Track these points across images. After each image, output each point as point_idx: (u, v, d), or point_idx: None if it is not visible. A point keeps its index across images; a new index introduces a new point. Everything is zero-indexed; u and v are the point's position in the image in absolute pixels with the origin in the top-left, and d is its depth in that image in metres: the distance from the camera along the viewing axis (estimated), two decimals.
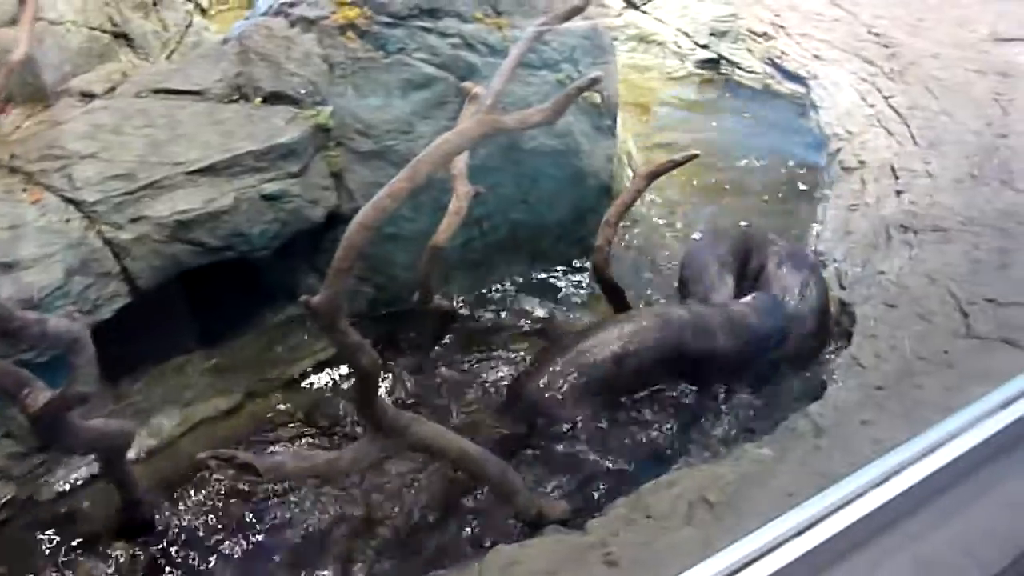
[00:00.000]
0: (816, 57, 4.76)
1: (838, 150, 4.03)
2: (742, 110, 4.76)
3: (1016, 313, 2.60)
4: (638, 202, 3.31)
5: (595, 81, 1.97)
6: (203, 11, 4.72)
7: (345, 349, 1.86)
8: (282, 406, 2.90)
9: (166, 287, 2.67)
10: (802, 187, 4.13)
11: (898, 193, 3.41)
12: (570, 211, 3.48)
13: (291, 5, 3.00)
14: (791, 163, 4.32)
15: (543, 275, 3.43)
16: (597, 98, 3.42)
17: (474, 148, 2.97)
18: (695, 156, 3.43)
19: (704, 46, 5.24)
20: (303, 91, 2.90)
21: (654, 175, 3.14)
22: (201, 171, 2.69)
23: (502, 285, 3.35)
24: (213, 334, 2.93)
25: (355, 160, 2.87)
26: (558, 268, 3.48)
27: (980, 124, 3.65)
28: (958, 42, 4.39)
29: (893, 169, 3.55)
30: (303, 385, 2.99)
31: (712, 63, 5.23)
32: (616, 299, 3.13)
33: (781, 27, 5.05)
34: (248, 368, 2.96)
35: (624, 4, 5.37)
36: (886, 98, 4.08)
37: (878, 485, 2.20)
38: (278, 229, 2.75)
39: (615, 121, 3.68)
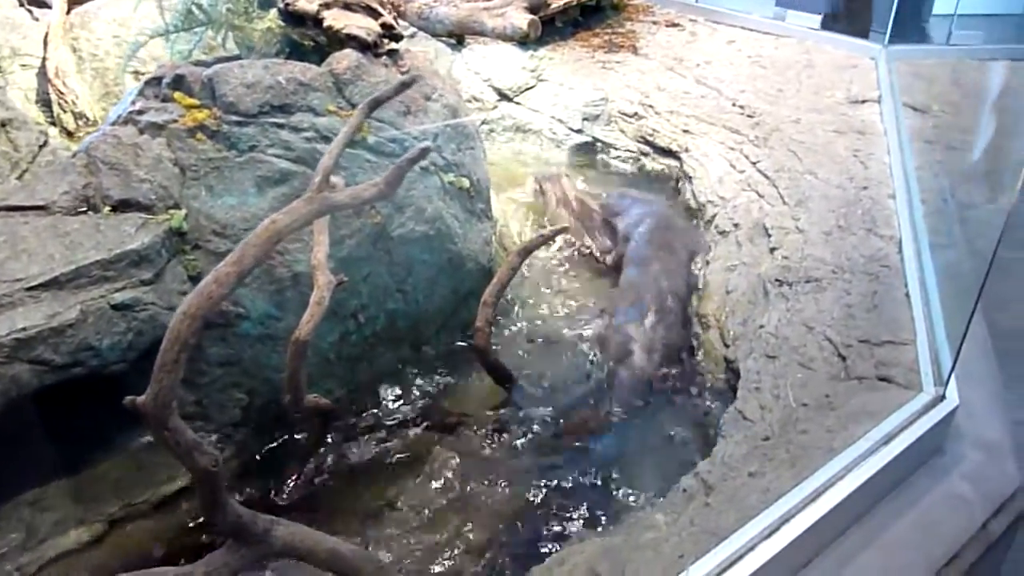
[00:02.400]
0: (686, 131, 4.92)
1: (713, 216, 4.14)
2: (619, 187, 4.82)
3: (889, 351, 2.67)
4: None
5: (424, 152, 1.98)
6: (69, 133, 4.68)
7: (179, 451, 1.73)
8: (151, 531, 2.72)
9: (13, 412, 2.49)
10: None
11: (772, 250, 3.50)
12: (450, 297, 3.47)
13: (139, 113, 2.97)
14: None
15: (426, 363, 3.37)
16: (465, 183, 3.43)
17: (339, 238, 2.99)
18: (565, 230, 3.52)
19: (578, 131, 5.35)
20: (154, 196, 2.83)
21: (527, 251, 3.17)
22: (43, 285, 2.56)
23: (384, 378, 3.27)
24: (73, 459, 2.77)
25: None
26: (442, 354, 3.43)
27: (843, 179, 3.80)
28: (816, 107, 4.62)
29: (765, 228, 3.65)
30: (176, 506, 2.81)
31: (588, 146, 5.35)
32: (499, 376, 3.10)
33: (650, 107, 5.19)
34: (113, 493, 2.78)
35: (498, 97, 5.49)
36: (754, 163, 4.23)
37: (767, 536, 2.16)
38: (132, 339, 2.63)
39: (489, 204, 3.73)
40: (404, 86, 2.23)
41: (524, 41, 5.34)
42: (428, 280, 3.35)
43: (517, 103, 5.52)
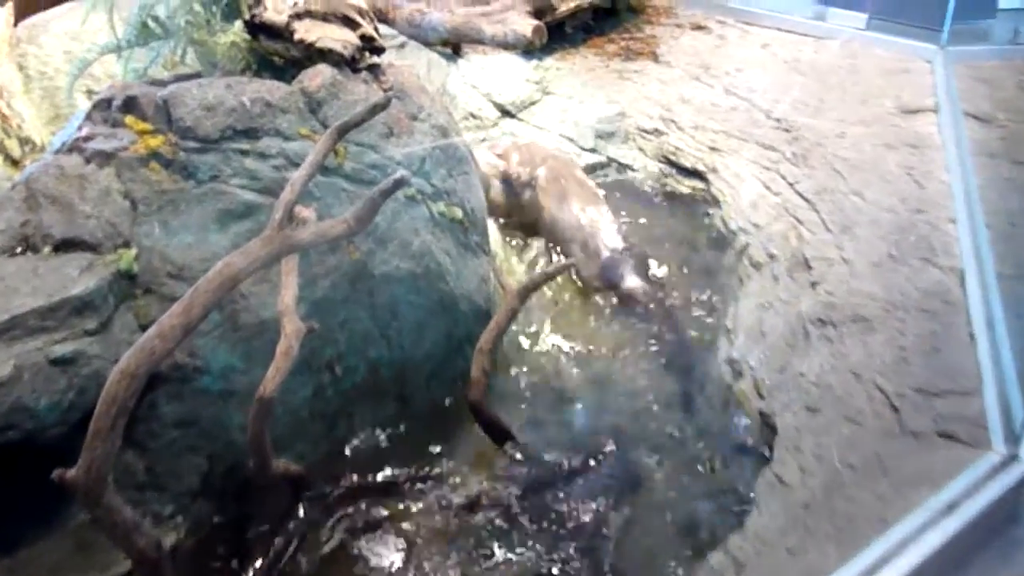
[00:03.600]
0: (713, 149, 4.93)
1: (746, 246, 4.14)
2: (637, 213, 4.82)
3: (952, 403, 2.62)
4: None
5: (399, 183, 1.97)
6: (14, 162, 4.70)
7: (115, 532, 1.70)
8: None
9: None
10: (705, 295, 4.17)
11: (813, 285, 3.47)
12: (441, 343, 3.44)
13: (86, 139, 2.97)
14: (693, 267, 4.38)
15: (414, 420, 3.34)
16: (458, 213, 3.42)
17: (312, 278, 2.98)
18: (570, 266, 3.51)
19: (591, 150, 5.36)
20: (101, 234, 2.81)
21: (528, 291, 3.16)
22: None
23: (365, 437, 3.24)
24: (4, 537, 2.71)
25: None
26: (432, 409, 3.41)
27: (894, 201, 3.77)
28: (863, 118, 4.60)
29: (806, 259, 3.63)
30: None
31: (602, 167, 5.35)
32: (497, 434, 3.10)
33: (672, 121, 5.23)
34: None
35: (499, 114, 5.52)
36: (791, 184, 4.23)
37: None
38: (74, 399, 2.59)
39: (486, 237, 3.73)
40: (377, 108, 2.23)
41: (528, 50, 5.46)
42: (415, 324, 3.32)
43: (520, 120, 5.55)
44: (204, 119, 2.92)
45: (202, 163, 2.90)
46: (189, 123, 2.92)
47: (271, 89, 3.09)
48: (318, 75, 3.19)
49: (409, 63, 4.31)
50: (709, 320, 3.97)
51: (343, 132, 2.28)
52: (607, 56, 5.99)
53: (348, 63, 3.26)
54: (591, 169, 5.31)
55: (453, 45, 5.81)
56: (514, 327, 3.64)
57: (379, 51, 3.39)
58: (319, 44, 3.22)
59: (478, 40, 5.42)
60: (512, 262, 4.28)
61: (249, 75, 3.28)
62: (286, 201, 1.96)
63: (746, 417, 3.26)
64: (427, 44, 5.58)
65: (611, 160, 5.36)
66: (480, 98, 5.60)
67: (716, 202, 4.66)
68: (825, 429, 2.74)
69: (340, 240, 2.33)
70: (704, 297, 4.14)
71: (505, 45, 5.30)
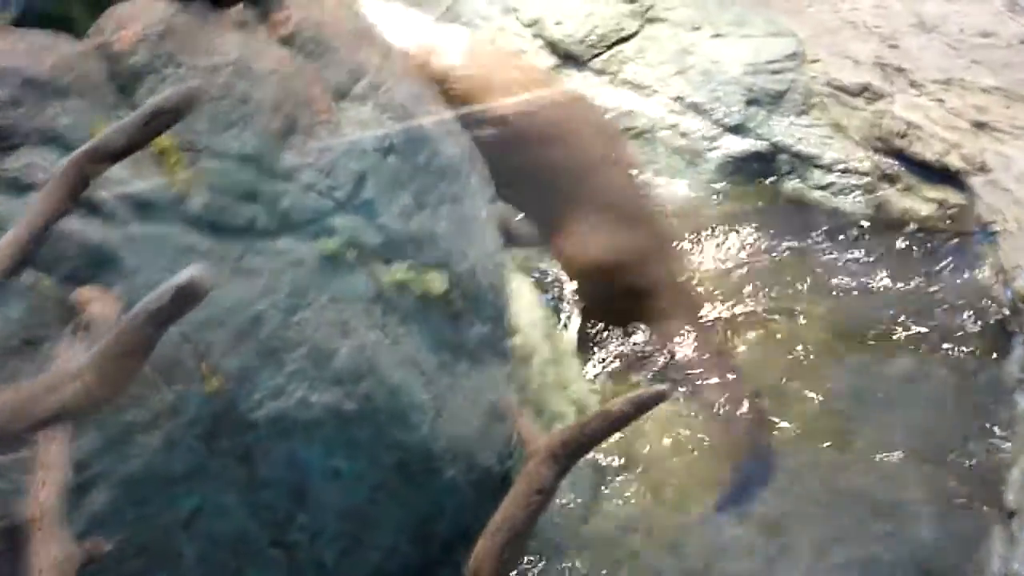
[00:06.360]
0: (980, 125, 4.55)
1: None
2: (834, 264, 4.34)
3: None
4: None
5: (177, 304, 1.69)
6: None
7: None
8: None
9: None
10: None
11: None
12: (407, 550, 3.05)
13: None
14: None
15: None
16: (437, 282, 2.99)
17: (123, 430, 2.56)
18: (662, 397, 2.67)
19: (737, 128, 4.97)
20: None
21: (568, 452, 2.38)
22: None
23: None
24: None
25: None
26: None
27: None
28: None
29: None
30: None
31: (758, 162, 4.90)
32: None
33: (900, 70, 4.87)
34: None
35: (556, 59, 5.07)
36: None
37: None
38: None
39: (501, 324, 3.33)
40: (167, 114, 1.90)
41: None
42: (346, 517, 2.90)
43: (598, 71, 5.21)
44: None
45: None
46: None
47: (41, 48, 2.63)
48: (136, 16, 2.69)
49: None
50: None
51: (96, 162, 1.92)
52: None
53: None
54: (738, 167, 4.86)
55: None
56: None
57: None
58: None
59: None
60: (567, 366, 3.79)
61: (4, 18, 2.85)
62: None
63: None
64: None
65: (776, 148, 4.92)
66: (520, 28, 5.26)
67: (986, 230, 4.27)
68: None
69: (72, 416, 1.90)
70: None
71: None
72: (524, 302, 3.74)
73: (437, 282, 3.04)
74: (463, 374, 3.20)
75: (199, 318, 2.46)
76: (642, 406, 2.67)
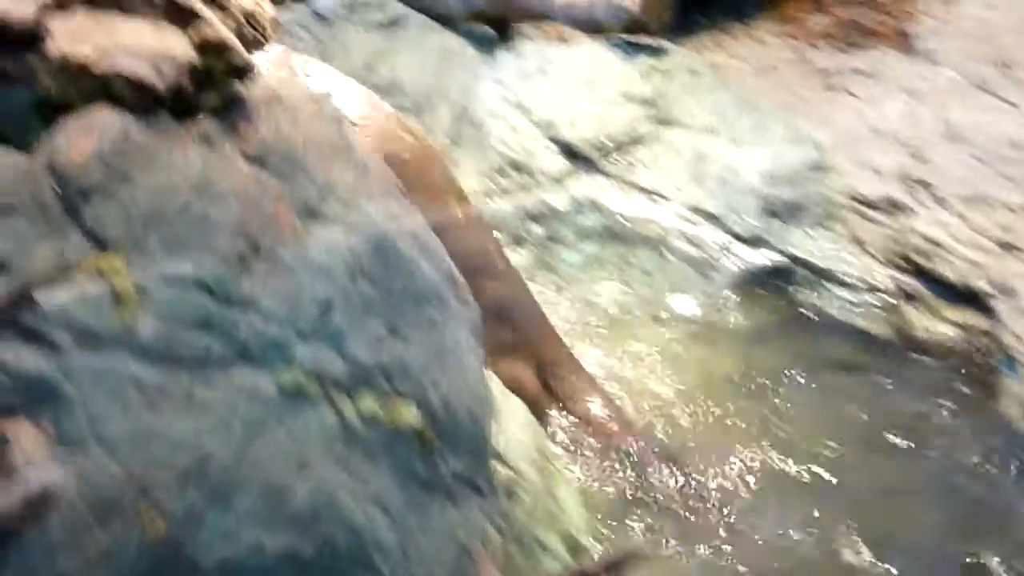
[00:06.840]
0: (1005, 247, 4.63)
1: None
2: (848, 390, 4.32)
3: None
4: None
5: None
6: None
7: None
8: None
9: None
10: None
11: None
12: None
13: None
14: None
15: None
16: (411, 414, 2.93)
17: None
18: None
19: (752, 240, 5.05)
20: None
21: None
22: None
23: None
24: None
25: None
26: None
27: None
28: None
29: None
30: None
31: (774, 276, 5.01)
32: None
33: (923, 183, 4.89)
34: None
35: (567, 161, 5.18)
36: None
37: None
38: None
39: (483, 459, 3.27)
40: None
41: (635, 31, 5.32)
42: None
43: (609, 175, 5.29)
44: None
45: None
46: None
47: None
48: (91, 132, 2.62)
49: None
50: None
51: None
52: (805, 37, 5.77)
53: (164, 102, 2.72)
54: (751, 280, 4.95)
55: (494, 21, 5.66)
56: None
57: (241, 72, 2.86)
58: (101, 66, 2.65)
59: (541, 14, 5.29)
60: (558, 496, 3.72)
61: None
62: None
63: None
64: (443, 19, 5.45)
65: (793, 261, 5.02)
66: (531, 128, 5.28)
67: (1012, 361, 4.29)
68: None
69: None
70: None
71: (589, 25, 5.17)
72: (515, 424, 3.66)
73: (407, 414, 2.94)
74: (435, 513, 3.05)
75: (142, 456, 2.43)
76: (614, 567, 2.68)
